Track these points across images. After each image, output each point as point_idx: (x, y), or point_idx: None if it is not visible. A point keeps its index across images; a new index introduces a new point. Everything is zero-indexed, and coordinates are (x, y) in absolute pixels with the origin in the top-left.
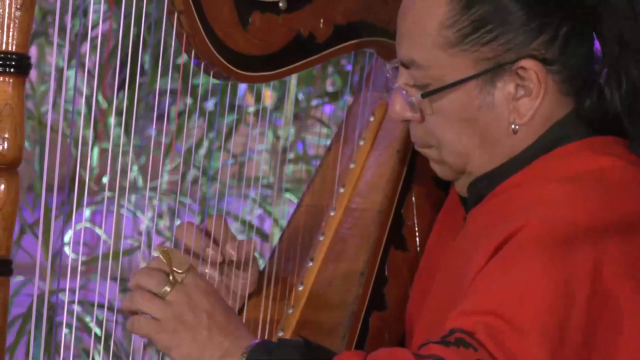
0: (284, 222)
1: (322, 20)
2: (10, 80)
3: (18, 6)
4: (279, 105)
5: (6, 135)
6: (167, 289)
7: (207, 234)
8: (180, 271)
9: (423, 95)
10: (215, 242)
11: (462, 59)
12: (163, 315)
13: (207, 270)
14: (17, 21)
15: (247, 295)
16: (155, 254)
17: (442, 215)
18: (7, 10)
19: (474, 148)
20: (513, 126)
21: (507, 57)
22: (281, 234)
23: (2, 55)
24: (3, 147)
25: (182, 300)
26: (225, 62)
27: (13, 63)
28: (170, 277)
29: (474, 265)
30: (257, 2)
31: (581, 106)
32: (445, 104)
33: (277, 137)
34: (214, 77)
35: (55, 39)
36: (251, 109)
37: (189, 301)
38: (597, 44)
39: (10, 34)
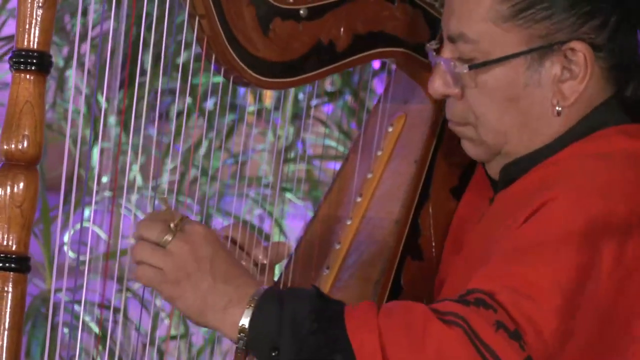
0: (283, 222)
1: (342, 29)
2: (31, 78)
3: (40, 4)
4: (278, 104)
5: (26, 133)
6: (169, 237)
7: (233, 241)
8: (178, 220)
9: (470, 67)
10: (241, 248)
11: (513, 35)
12: (165, 265)
13: None
14: (38, 19)
15: None
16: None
17: (467, 195)
18: (29, 8)
19: (514, 127)
20: (557, 108)
21: (559, 37)
22: (297, 242)
23: (23, 53)
24: (23, 144)
25: (184, 249)
26: (246, 68)
27: (34, 61)
28: (172, 225)
29: (500, 233)
30: (278, 9)
31: (622, 94)
32: (490, 79)
33: (277, 137)
34: (234, 82)
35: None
36: (251, 109)
37: (191, 249)
38: None
39: (32, 32)
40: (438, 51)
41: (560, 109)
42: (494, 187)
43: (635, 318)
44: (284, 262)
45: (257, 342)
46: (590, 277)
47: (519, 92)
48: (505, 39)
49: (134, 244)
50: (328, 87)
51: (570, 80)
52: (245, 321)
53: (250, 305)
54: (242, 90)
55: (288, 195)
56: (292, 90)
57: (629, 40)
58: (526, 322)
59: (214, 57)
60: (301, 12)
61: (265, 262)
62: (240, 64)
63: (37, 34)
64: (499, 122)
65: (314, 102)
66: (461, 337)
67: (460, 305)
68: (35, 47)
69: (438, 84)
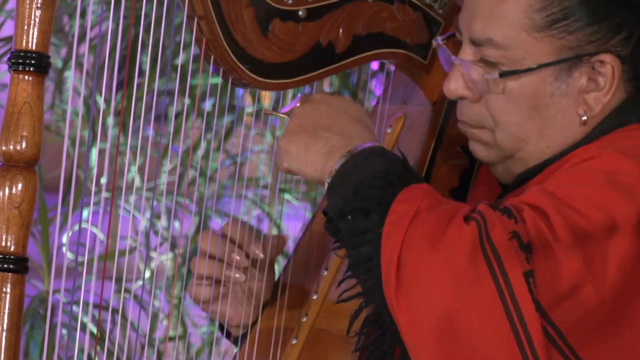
0: (281, 223)
1: (341, 30)
2: (30, 79)
3: (39, 5)
4: (276, 105)
5: (25, 134)
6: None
7: (231, 239)
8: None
9: (501, 75)
10: (239, 246)
11: (546, 45)
12: (295, 117)
13: (237, 275)
14: (37, 20)
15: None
16: None
17: (474, 193)
18: (27, 9)
19: (534, 135)
20: (584, 118)
21: (589, 48)
22: (296, 243)
23: (22, 54)
24: (21, 145)
25: (308, 109)
26: (245, 69)
27: (33, 62)
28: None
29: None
30: (277, 10)
31: (636, 99)
32: (517, 87)
33: (275, 138)
34: (232, 83)
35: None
36: (249, 110)
37: (314, 109)
38: None
39: (31, 32)
40: (453, 50)
41: (586, 118)
42: (502, 186)
43: None
44: (283, 263)
45: (335, 184)
46: (620, 234)
47: (545, 101)
48: (537, 49)
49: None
50: (326, 88)
51: (594, 92)
52: (337, 165)
53: (346, 155)
54: (240, 91)
55: (286, 196)
56: (290, 91)
57: None
58: (542, 244)
59: (212, 59)
60: (300, 13)
61: (261, 256)
62: (240, 65)
63: (35, 35)
64: (520, 129)
65: None
66: (472, 232)
67: (489, 208)
68: (33, 48)
69: (456, 86)
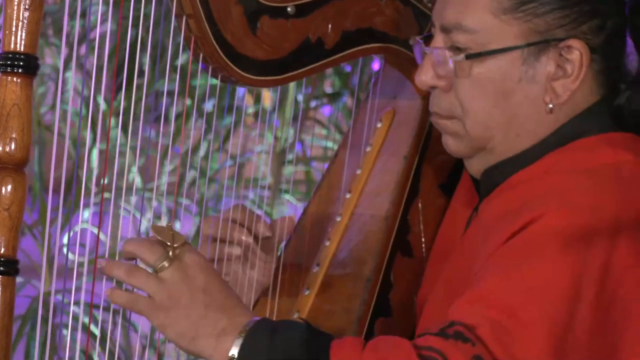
0: None
1: (330, 26)
2: (18, 81)
3: (27, 6)
4: (277, 106)
5: (14, 136)
6: (165, 264)
7: (234, 221)
8: (177, 244)
9: (467, 57)
10: (243, 226)
11: (513, 27)
12: (158, 293)
13: (236, 251)
14: (25, 22)
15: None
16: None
17: (452, 205)
18: (15, 10)
19: (502, 123)
20: (550, 105)
21: (557, 33)
22: (287, 239)
23: (10, 56)
24: (10, 147)
25: (178, 277)
26: (234, 66)
27: (21, 63)
28: (170, 253)
29: (483, 252)
30: (266, 7)
31: (612, 100)
32: (484, 71)
33: (275, 139)
34: (221, 80)
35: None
36: (250, 110)
37: (185, 278)
38: (629, 44)
39: (19, 34)
40: (426, 43)
41: (552, 106)
42: (477, 191)
43: (628, 328)
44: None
45: None
46: (580, 303)
47: (512, 86)
48: (504, 32)
49: (126, 265)
50: (327, 88)
51: (562, 79)
52: (235, 351)
53: (241, 335)
54: (241, 91)
55: (286, 196)
56: (291, 92)
57: (622, 47)
58: (506, 357)
59: (201, 56)
60: (289, 9)
61: (268, 234)
62: (229, 62)
63: (23, 37)
64: (488, 116)
65: (312, 103)
66: None
67: (440, 339)
68: (22, 49)
69: (426, 76)
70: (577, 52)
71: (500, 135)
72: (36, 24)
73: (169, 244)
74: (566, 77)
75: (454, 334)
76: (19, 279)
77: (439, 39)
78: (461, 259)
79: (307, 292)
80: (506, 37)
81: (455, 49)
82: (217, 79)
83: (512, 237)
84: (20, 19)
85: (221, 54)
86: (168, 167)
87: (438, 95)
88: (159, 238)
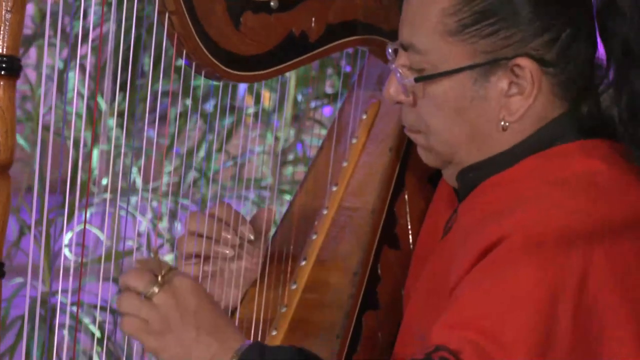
0: None
1: (314, 20)
2: (1, 83)
3: (9, 8)
4: (278, 106)
5: None
6: (155, 289)
7: (219, 219)
8: (166, 271)
9: (416, 80)
10: (227, 225)
11: (459, 49)
12: (150, 317)
13: (226, 251)
14: (7, 23)
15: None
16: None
17: (431, 208)
18: None
19: (462, 139)
20: (502, 123)
21: (505, 53)
22: (274, 233)
23: None
24: None
25: (169, 302)
26: (217, 62)
27: (4, 65)
28: (159, 278)
29: (458, 266)
30: (249, 2)
31: (577, 110)
32: (438, 91)
33: (276, 139)
34: (205, 77)
35: (46, 40)
36: (250, 111)
37: (176, 302)
38: (601, 50)
39: (1, 36)
40: (396, 53)
41: (506, 124)
42: (457, 194)
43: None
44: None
45: None
46: (558, 319)
47: (466, 105)
48: (451, 53)
49: (120, 293)
50: (327, 88)
51: (518, 96)
52: None
53: (233, 359)
54: (241, 92)
55: (287, 197)
56: (291, 92)
57: (583, 56)
58: None
59: (184, 53)
60: (272, 4)
61: (252, 237)
62: (212, 59)
63: (6, 38)
64: (449, 133)
65: (313, 103)
66: None
67: None
68: (4, 51)
69: (392, 91)
70: (526, 69)
71: (462, 151)
72: (18, 25)
73: (159, 273)
74: (521, 93)
75: (439, 359)
76: (19, 280)
77: (402, 56)
78: (441, 260)
79: (294, 287)
80: (454, 59)
81: (412, 68)
82: (201, 75)
83: (484, 254)
84: (3, 21)
85: (204, 50)
86: (169, 167)
87: (405, 109)
88: (151, 261)
